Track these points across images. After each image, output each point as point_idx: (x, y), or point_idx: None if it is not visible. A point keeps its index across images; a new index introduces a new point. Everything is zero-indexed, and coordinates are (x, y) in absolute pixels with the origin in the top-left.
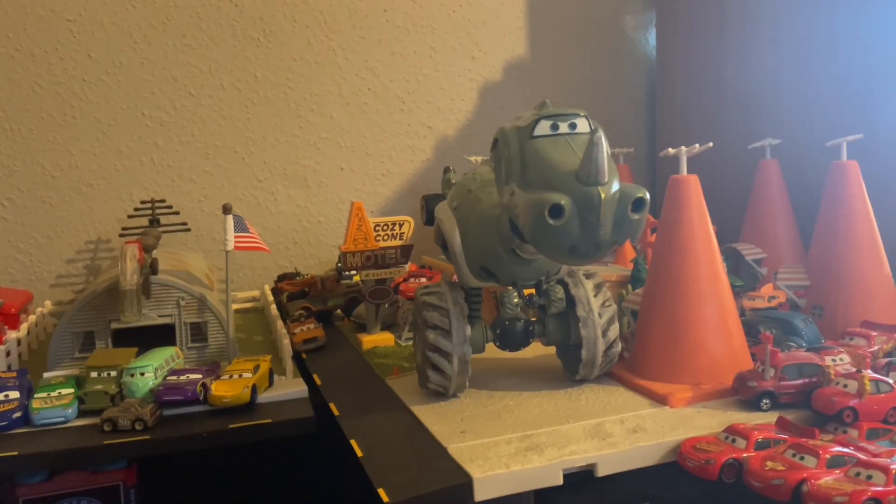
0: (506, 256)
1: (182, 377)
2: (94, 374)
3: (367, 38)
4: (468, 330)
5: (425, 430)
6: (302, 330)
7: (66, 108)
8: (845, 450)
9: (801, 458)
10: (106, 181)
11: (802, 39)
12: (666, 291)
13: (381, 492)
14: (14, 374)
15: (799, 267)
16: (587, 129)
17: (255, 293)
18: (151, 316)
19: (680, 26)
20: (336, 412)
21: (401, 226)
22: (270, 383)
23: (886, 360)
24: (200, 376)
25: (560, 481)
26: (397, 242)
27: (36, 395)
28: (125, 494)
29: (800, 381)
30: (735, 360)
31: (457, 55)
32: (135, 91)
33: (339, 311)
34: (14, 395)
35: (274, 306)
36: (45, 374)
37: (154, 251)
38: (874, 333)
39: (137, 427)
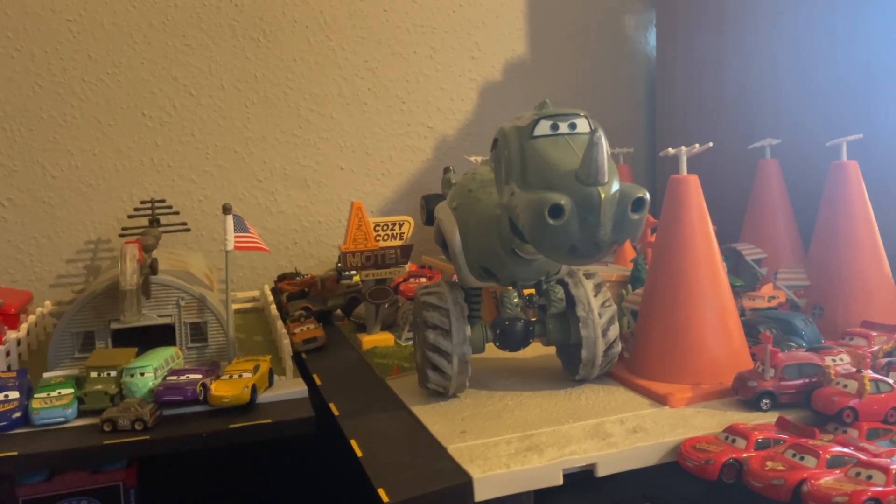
0: (506, 256)
1: (182, 377)
2: (93, 374)
3: (367, 38)
4: (468, 330)
5: (425, 430)
6: (302, 330)
7: (66, 108)
8: (845, 450)
9: (801, 458)
10: (106, 181)
11: (802, 39)
12: (666, 291)
13: (381, 492)
14: (14, 374)
15: (799, 267)
16: (587, 129)
17: (255, 293)
18: (151, 316)
19: (680, 26)
20: (336, 412)
21: (401, 226)
22: (270, 383)
23: (886, 360)
24: (200, 376)
25: (560, 481)
26: (397, 242)
27: (36, 396)
28: (125, 494)
29: (800, 381)
30: (735, 360)
31: (457, 55)
32: (135, 91)
33: (339, 311)
34: (14, 395)
35: (274, 306)
36: (45, 374)
37: (154, 251)
38: (874, 333)
39: (137, 427)
